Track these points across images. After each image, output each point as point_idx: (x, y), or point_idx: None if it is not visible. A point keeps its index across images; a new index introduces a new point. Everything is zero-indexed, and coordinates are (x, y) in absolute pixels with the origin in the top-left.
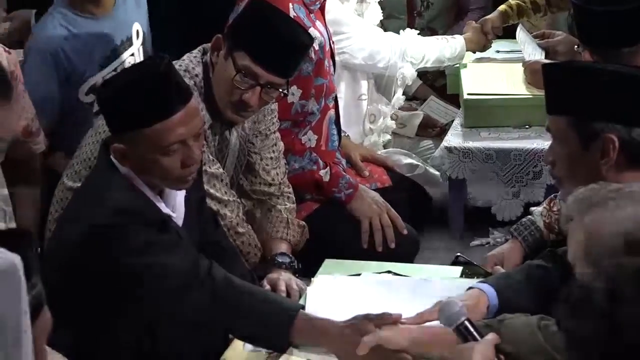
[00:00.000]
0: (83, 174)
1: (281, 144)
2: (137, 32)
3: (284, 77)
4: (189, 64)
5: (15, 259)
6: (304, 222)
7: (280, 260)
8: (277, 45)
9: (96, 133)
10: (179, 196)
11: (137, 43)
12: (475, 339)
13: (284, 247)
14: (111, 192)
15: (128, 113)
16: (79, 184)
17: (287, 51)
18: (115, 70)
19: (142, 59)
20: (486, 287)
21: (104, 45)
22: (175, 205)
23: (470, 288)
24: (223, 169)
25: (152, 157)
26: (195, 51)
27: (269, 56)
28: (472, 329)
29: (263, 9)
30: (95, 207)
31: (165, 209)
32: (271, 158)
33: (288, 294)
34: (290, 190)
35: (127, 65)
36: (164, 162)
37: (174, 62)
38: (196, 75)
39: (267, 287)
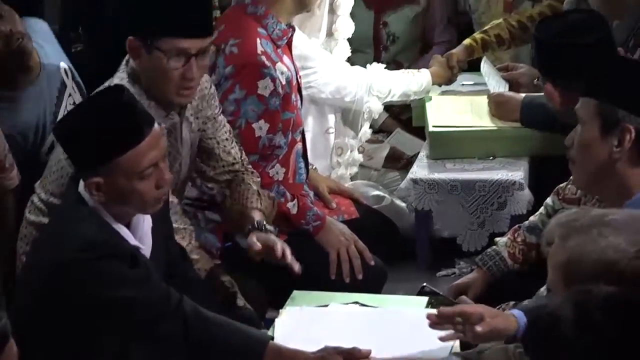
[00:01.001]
0: (45, 210)
1: (228, 125)
2: (65, 70)
3: (206, 36)
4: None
5: None
6: (273, 194)
7: (264, 223)
8: (181, 11)
9: (51, 173)
10: (146, 227)
11: (69, 82)
12: None
13: (259, 216)
14: (81, 225)
15: (100, 147)
16: (43, 218)
17: (193, 10)
18: None
19: (77, 92)
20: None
21: (47, 102)
22: (142, 236)
23: None
24: (180, 166)
25: (128, 184)
26: (122, 66)
27: (182, 25)
28: None
29: None
30: (66, 241)
31: (133, 241)
32: (226, 139)
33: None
34: (251, 165)
35: (70, 107)
36: (140, 187)
37: (106, 83)
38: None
39: (258, 245)
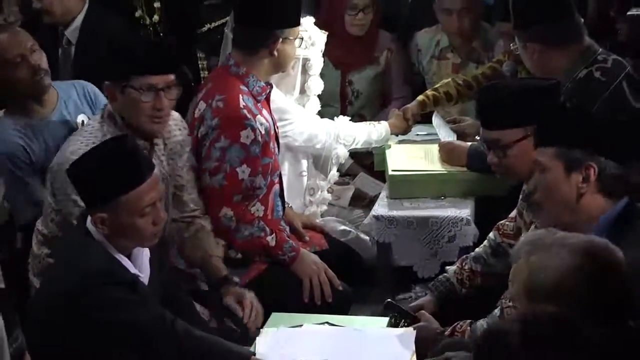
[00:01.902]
0: (48, 242)
1: (193, 173)
2: (82, 122)
3: (169, 73)
4: (100, 130)
5: None
6: (222, 241)
7: (232, 277)
8: (146, 53)
9: (52, 210)
10: (145, 258)
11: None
12: None
13: (224, 269)
14: (88, 256)
15: (108, 186)
16: (46, 250)
17: (156, 52)
18: None
19: None
20: None
21: (56, 134)
22: (141, 266)
23: None
24: None
25: (130, 220)
26: (97, 117)
27: (149, 64)
28: None
29: (110, 41)
30: (75, 270)
31: (133, 270)
32: (192, 187)
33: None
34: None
35: None
36: (139, 223)
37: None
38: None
39: (239, 311)
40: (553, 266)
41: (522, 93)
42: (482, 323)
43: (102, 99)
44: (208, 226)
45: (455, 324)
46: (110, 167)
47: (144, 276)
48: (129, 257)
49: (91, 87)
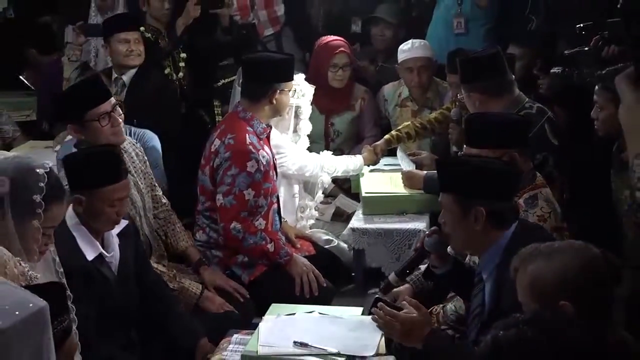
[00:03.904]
0: None
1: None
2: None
3: (110, 97)
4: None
5: (42, 303)
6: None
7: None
8: (92, 92)
9: None
10: (114, 242)
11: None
12: None
13: (197, 253)
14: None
15: (91, 177)
16: None
17: (98, 88)
18: None
19: None
20: None
21: None
22: (110, 247)
23: None
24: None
25: (101, 207)
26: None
27: (96, 97)
28: None
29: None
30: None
31: (98, 250)
32: (158, 188)
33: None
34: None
35: None
36: (107, 211)
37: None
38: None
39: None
40: (550, 269)
41: None
42: (450, 307)
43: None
44: (178, 221)
45: (432, 308)
46: (97, 164)
47: (112, 255)
48: (102, 238)
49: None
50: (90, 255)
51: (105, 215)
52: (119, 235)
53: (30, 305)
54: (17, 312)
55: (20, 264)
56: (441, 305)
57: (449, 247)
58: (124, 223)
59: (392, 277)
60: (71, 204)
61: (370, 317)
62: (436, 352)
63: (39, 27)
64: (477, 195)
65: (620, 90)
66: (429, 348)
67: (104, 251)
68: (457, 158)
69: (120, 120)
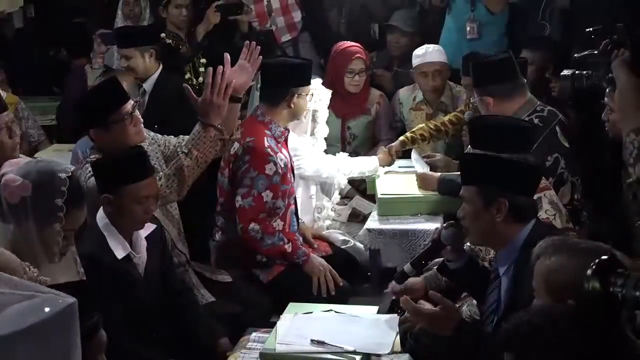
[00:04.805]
0: None
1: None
2: None
3: (128, 101)
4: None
5: (71, 299)
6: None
7: None
8: (111, 95)
9: None
10: (142, 243)
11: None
12: None
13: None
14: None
15: (118, 177)
16: None
17: (115, 92)
18: None
19: None
20: None
21: None
22: (137, 247)
23: None
24: None
25: (129, 205)
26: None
27: (117, 100)
28: None
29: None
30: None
31: (126, 250)
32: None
33: None
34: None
35: None
36: (135, 209)
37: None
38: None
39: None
40: (569, 267)
41: None
42: (465, 310)
43: None
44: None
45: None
46: (124, 164)
47: (139, 256)
48: (130, 240)
49: None
50: (119, 254)
51: (134, 213)
52: (146, 238)
53: (60, 301)
54: (47, 309)
55: (30, 269)
56: (457, 305)
57: (465, 242)
58: (152, 227)
59: (407, 267)
60: (101, 206)
61: (387, 315)
62: (466, 341)
63: (69, 29)
64: (501, 187)
65: (615, 75)
66: (456, 340)
67: (132, 251)
68: (481, 153)
69: (141, 119)
